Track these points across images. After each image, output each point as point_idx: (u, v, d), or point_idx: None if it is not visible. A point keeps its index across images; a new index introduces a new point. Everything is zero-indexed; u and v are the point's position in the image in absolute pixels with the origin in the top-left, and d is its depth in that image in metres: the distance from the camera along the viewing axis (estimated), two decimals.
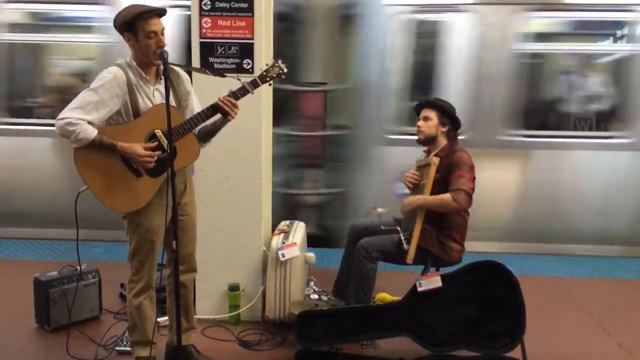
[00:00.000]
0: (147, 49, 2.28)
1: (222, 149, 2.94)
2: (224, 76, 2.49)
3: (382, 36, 4.72)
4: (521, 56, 4.69)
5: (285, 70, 2.42)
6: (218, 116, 2.39)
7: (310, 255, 3.34)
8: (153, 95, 2.39)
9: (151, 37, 2.27)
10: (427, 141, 3.05)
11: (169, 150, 2.20)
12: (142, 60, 2.35)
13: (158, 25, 2.29)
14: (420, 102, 3.11)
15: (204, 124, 2.41)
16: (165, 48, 2.29)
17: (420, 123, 3.05)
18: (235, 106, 2.36)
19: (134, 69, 2.36)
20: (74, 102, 2.25)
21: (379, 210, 3.14)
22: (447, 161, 2.90)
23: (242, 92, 2.36)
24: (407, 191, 3.05)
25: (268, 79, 2.41)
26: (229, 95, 2.35)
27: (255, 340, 3.02)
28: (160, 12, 2.32)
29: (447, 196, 2.81)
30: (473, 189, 2.86)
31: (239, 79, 2.39)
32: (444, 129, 3.01)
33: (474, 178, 2.88)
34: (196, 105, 2.52)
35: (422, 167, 3.04)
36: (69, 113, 2.21)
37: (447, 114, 3.02)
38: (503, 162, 4.71)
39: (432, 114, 3.01)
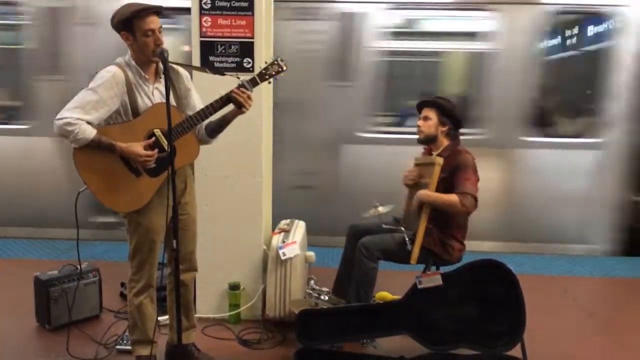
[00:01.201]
0: (146, 47, 2.28)
1: (223, 148, 2.92)
2: (224, 74, 2.49)
3: None
4: None
5: (285, 68, 2.41)
6: (225, 110, 2.38)
7: (311, 254, 3.34)
8: (152, 94, 2.38)
9: (149, 35, 2.26)
10: (427, 141, 3.03)
11: (169, 150, 2.20)
12: (141, 59, 2.34)
13: (155, 23, 2.28)
14: (421, 101, 3.09)
15: (208, 121, 2.40)
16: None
17: (420, 122, 3.03)
18: (250, 97, 2.35)
19: (132, 68, 2.35)
20: (73, 102, 2.24)
21: (380, 209, 3.10)
22: (451, 162, 2.88)
23: None
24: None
25: (267, 77, 2.40)
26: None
27: (256, 339, 3.02)
28: (157, 10, 2.31)
29: (455, 198, 2.78)
30: (477, 191, 2.84)
31: (238, 77, 2.39)
32: (443, 129, 2.99)
33: (478, 180, 2.87)
34: (197, 102, 2.51)
35: (422, 166, 3.03)
36: (68, 113, 2.20)
37: (447, 113, 2.99)
38: None
39: (431, 114, 2.99)
